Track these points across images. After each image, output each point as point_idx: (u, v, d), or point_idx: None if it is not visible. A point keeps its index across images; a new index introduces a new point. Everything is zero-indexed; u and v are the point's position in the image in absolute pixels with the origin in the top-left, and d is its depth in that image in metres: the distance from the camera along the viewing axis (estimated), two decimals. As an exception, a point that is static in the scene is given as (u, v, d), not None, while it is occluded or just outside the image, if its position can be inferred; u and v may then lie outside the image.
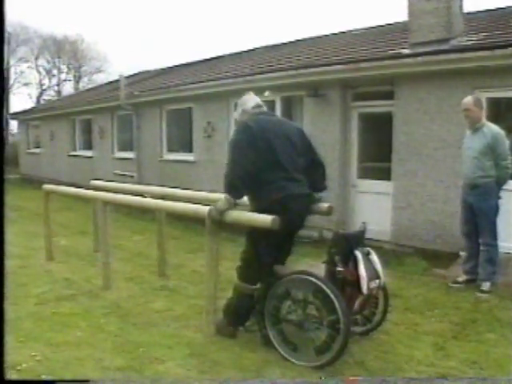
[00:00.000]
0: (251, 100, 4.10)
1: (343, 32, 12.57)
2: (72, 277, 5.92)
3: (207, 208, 4.02)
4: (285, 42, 13.96)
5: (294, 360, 3.63)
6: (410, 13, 7.63)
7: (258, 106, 4.07)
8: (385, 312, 4.08)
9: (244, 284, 3.97)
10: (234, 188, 3.76)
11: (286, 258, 4.18)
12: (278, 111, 9.02)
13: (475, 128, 5.32)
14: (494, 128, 5.25)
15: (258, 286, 4.00)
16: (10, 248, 7.30)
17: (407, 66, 6.98)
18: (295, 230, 4.05)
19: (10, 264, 6.31)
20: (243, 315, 4.08)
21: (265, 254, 3.87)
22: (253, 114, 3.99)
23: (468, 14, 8.48)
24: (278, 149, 3.75)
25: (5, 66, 35.52)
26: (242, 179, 3.72)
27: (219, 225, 3.98)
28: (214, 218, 3.89)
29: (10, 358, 3.61)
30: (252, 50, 14.67)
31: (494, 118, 5.79)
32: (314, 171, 4.09)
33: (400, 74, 7.17)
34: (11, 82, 38.27)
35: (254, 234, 3.85)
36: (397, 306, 4.73)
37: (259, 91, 8.85)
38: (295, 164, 3.85)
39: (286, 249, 4.13)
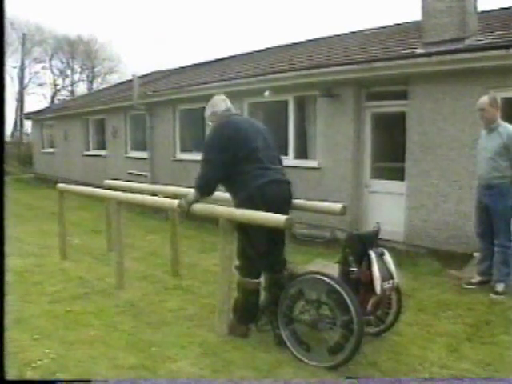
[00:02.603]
0: (221, 103, 4.35)
1: (354, 32, 12.52)
2: (86, 275, 5.96)
3: (221, 208, 4.08)
4: (296, 42, 13.93)
5: (306, 360, 3.63)
6: (424, 12, 7.59)
7: (228, 109, 4.32)
8: (398, 313, 4.06)
9: (247, 279, 4.04)
10: (207, 188, 4.12)
11: (282, 249, 4.26)
12: (291, 111, 9.02)
13: (490, 128, 5.27)
14: (509, 128, 5.19)
15: (261, 279, 4.09)
16: (24, 246, 7.44)
17: (421, 65, 6.93)
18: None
19: (24, 262, 6.42)
20: (251, 311, 4.13)
21: (259, 244, 3.99)
22: (223, 117, 4.25)
23: (482, 12, 8.41)
24: (251, 144, 3.99)
25: (19, 66, 35.87)
26: (217, 180, 4.05)
27: (231, 224, 4.01)
28: (183, 210, 4.25)
29: (24, 355, 3.69)
30: (264, 49, 14.67)
31: (510, 117, 5.73)
32: None
33: (414, 73, 7.13)
34: (26, 82, 38.64)
35: (244, 227, 3.96)
36: (410, 306, 4.71)
37: (270, 91, 8.95)
38: (269, 156, 4.09)
39: (279, 239, 4.16)
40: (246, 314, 4.14)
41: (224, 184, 4.15)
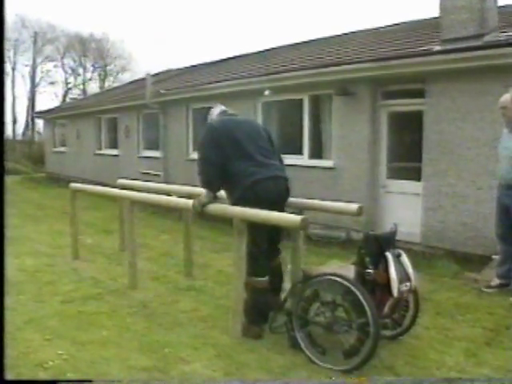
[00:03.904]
0: (216, 110, 4.52)
1: (370, 30, 12.41)
2: (98, 275, 5.93)
3: (235, 208, 4.03)
4: (311, 39, 13.85)
5: (321, 363, 3.57)
6: (442, 8, 7.45)
7: (223, 111, 4.47)
8: (415, 316, 3.98)
9: (254, 278, 4.04)
10: (209, 184, 4.17)
11: (278, 244, 4.37)
12: (306, 110, 8.93)
13: (512, 127, 5.16)
14: (531, 127, 5.08)
15: (267, 277, 4.09)
16: (36, 246, 7.46)
17: (438, 63, 6.82)
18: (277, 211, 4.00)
19: (36, 262, 6.42)
20: (262, 311, 4.13)
21: (261, 241, 4.04)
22: (218, 118, 4.38)
23: (502, 7, 8.24)
24: (243, 142, 4.06)
25: (30, 65, 36.09)
26: (214, 174, 4.08)
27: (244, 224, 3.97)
28: (196, 210, 4.31)
29: (36, 355, 3.68)
30: (278, 48, 14.60)
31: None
32: None
33: (431, 71, 7.00)
34: (37, 80, 38.85)
35: (248, 226, 3.97)
36: (427, 309, 4.62)
37: (284, 89, 8.89)
38: (264, 152, 4.14)
39: (278, 234, 4.28)
40: (258, 315, 4.11)
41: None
